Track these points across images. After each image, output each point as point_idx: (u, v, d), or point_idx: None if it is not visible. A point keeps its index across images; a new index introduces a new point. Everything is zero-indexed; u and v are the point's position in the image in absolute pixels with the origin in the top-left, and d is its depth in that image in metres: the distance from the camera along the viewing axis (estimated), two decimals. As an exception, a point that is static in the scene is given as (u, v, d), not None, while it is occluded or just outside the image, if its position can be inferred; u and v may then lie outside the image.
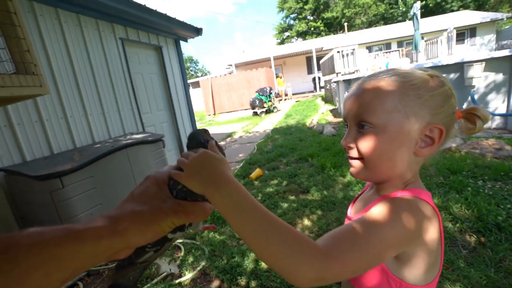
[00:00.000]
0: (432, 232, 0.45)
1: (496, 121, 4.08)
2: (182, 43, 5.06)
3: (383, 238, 0.39)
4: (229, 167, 0.40)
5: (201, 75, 46.08)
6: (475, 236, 1.77)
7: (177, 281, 1.73)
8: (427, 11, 23.63)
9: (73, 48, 2.80)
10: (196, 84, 21.16)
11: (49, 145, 2.46)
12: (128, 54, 3.68)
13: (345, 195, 2.62)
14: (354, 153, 0.51)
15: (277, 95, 11.64)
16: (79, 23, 2.92)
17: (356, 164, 0.52)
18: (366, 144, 0.48)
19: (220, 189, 0.35)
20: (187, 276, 1.78)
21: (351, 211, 0.62)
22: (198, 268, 1.84)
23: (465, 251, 1.67)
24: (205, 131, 0.46)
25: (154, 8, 3.73)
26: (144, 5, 3.49)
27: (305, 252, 0.34)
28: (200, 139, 0.44)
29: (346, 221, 0.61)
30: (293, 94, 17.12)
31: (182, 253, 2.08)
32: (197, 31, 5.06)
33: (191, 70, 51.84)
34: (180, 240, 2.24)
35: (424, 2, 24.76)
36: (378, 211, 0.43)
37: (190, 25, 4.78)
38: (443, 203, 2.17)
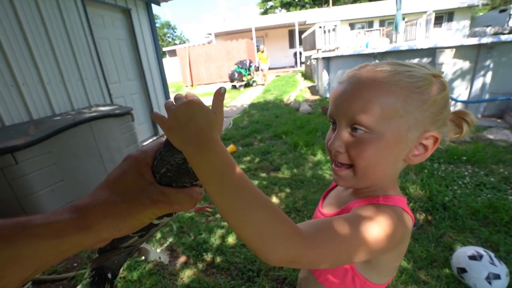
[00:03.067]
0: (407, 242, 0.46)
1: (458, 107, 4.33)
2: (155, 7, 4.65)
3: (366, 242, 0.38)
4: (220, 126, 0.34)
5: (179, 43, 43.32)
6: (424, 215, 1.95)
7: (142, 257, 1.75)
8: (411, -10, 23.36)
9: (20, 4, 2.44)
10: (173, 53, 19.93)
11: (-1, 115, 2.24)
12: (91, 15, 3.32)
13: (314, 174, 2.72)
14: (343, 158, 0.46)
15: (257, 69, 11.31)
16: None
17: (343, 173, 0.47)
18: (360, 152, 0.43)
19: (202, 152, 0.31)
20: (154, 252, 1.80)
21: (323, 206, 0.60)
22: (165, 245, 1.87)
23: (414, 228, 1.84)
24: None
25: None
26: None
27: (286, 235, 0.32)
28: None
29: (318, 215, 0.59)
30: (273, 69, 16.78)
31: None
32: (171, -6, 4.66)
33: (168, 37, 48.35)
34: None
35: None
36: (365, 215, 0.42)
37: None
38: (402, 183, 2.33)
